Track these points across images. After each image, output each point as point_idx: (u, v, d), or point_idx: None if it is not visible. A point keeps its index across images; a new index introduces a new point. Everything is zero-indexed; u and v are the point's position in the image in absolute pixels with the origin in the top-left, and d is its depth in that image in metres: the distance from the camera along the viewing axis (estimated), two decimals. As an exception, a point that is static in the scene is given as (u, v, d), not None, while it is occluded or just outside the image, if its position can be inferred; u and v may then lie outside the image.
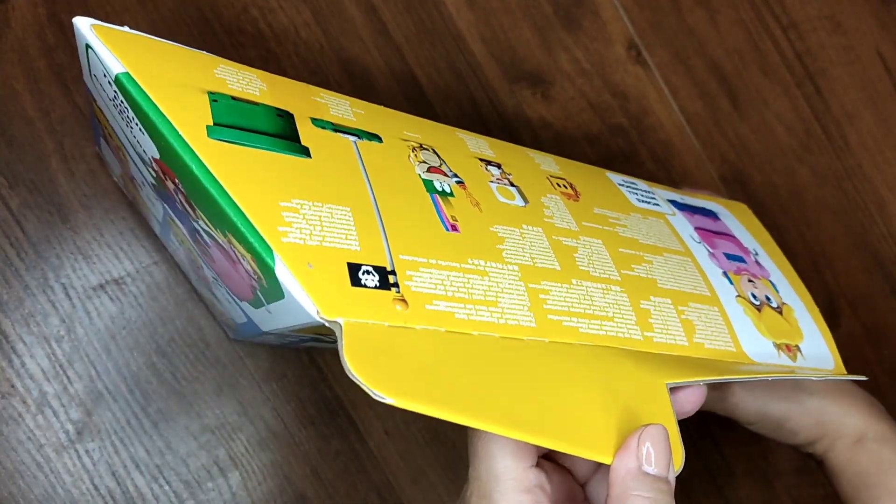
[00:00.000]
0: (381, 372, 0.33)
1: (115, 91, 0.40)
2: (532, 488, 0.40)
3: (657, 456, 0.38)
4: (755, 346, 0.52)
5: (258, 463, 0.63)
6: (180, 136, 0.38)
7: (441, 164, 0.48)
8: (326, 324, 0.35)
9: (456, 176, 0.47)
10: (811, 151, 0.81)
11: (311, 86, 0.48)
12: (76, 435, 0.59)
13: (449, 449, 0.67)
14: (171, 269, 0.62)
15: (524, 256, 0.45)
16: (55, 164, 0.60)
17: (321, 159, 0.42)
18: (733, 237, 0.61)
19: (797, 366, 0.53)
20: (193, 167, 0.37)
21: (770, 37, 0.80)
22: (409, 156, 0.47)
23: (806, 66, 0.81)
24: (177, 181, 0.40)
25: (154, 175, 0.44)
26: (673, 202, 0.61)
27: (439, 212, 0.44)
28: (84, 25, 0.39)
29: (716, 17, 0.79)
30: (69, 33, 0.61)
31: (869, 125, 0.81)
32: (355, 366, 0.33)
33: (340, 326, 0.35)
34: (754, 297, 0.56)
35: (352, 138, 0.45)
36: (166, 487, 0.61)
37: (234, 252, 0.39)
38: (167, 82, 0.40)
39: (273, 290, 0.37)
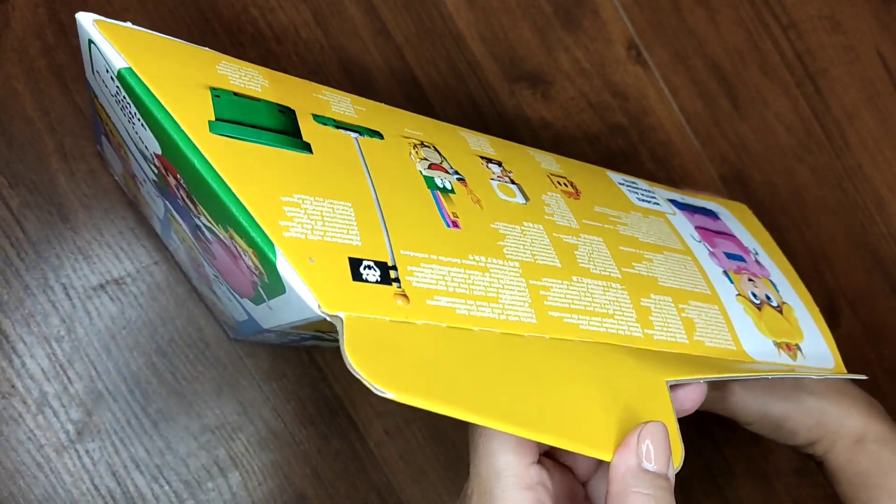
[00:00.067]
0: (383, 366, 0.33)
1: (117, 86, 0.40)
2: (533, 485, 0.40)
3: (657, 453, 0.38)
4: (755, 344, 0.52)
5: (258, 463, 0.62)
6: (182, 130, 0.38)
7: (442, 162, 0.48)
8: (328, 318, 0.35)
9: (457, 173, 0.47)
10: (811, 151, 0.81)
11: (312, 83, 0.48)
12: (76, 435, 0.59)
13: (449, 448, 0.67)
14: (171, 269, 0.62)
15: (525, 253, 0.45)
16: (55, 163, 0.60)
17: (323, 155, 0.42)
18: (733, 236, 0.61)
19: (797, 365, 0.53)
20: (195, 162, 0.37)
21: (770, 37, 0.80)
22: (410, 153, 0.47)
23: (806, 65, 0.81)
24: (178, 177, 0.40)
25: (156, 171, 0.44)
26: (673, 201, 0.61)
27: (440, 208, 0.44)
28: (87, 21, 0.40)
29: (716, 17, 0.79)
30: (69, 33, 0.61)
31: (869, 125, 0.81)
32: (356, 360, 0.33)
33: (341, 321, 0.35)
34: (754, 295, 0.56)
35: (353, 135, 0.45)
36: (166, 487, 0.60)
37: (235, 247, 0.39)
38: (169, 78, 0.40)
39: (274, 286, 0.37)
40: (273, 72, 0.46)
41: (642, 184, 0.61)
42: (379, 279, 0.37)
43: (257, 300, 0.43)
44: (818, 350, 0.56)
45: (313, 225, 0.37)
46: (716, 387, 0.60)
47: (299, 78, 0.48)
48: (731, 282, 0.55)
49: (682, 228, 0.58)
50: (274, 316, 0.42)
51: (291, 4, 0.67)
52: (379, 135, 0.46)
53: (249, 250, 0.37)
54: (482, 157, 0.51)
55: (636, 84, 0.77)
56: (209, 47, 0.45)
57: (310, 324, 0.40)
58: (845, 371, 0.56)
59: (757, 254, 0.61)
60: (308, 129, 0.43)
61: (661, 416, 0.41)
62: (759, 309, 0.55)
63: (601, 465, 0.46)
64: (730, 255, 0.58)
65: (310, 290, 0.35)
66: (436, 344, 0.37)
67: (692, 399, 0.45)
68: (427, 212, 0.43)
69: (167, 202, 0.48)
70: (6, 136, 0.59)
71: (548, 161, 0.56)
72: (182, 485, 0.61)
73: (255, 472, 0.62)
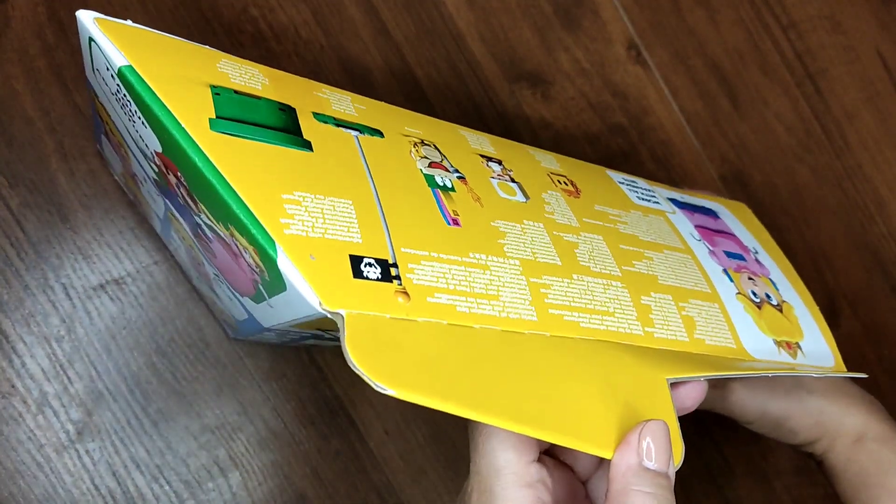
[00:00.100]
0: (383, 363, 0.33)
1: (117, 84, 0.40)
2: (533, 483, 0.40)
3: (658, 451, 0.38)
4: (755, 342, 0.52)
5: (258, 463, 0.62)
6: (183, 128, 0.38)
7: (442, 160, 0.48)
8: (328, 315, 0.35)
9: (457, 171, 0.47)
10: (811, 151, 0.81)
11: (312, 81, 0.48)
12: (76, 435, 0.59)
13: (449, 448, 0.67)
14: (171, 269, 0.62)
15: (525, 251, 0.45)
16: (55, 163, 0.60)
17: (323, 153, 0.42)
18: (733, 235, 0.61)
19: (797, 363, 0.53)
20: (196, 160, 0.37)
21: (770, 37, 0.80)
22: (410, 151, 0.47)
23: (806, 65, 0.81)
24: (179, 175, 0.40)
25: (156, 170, 0.44)
26: (673, 200, 0.61)
27: (440, 206, 0.44)
28: (87, 19, 0.40)
29: (716, 17, 0.79)
30: (69, 33, 0.61)
31: (869, 125, 0.81)
32: (357, 357, 0.33)
33: (342, 318, 0.35)
34: (754, 294, 0.56)
35: (353, 133, 0.45)
36: (166, 487, 0.60)
37: (236, 245, 0.39)
38: (170, 75, 0.40)
39: (275, 283, 0.37)
40: (273, 70, 0.46)
41: (642, 183, 0.62)
42: (380, 276, 0.37)
43: (258, 298, 0.43)
44: (818, 349, 0.56)
45: (314, 222, 0.37)
46: (716, 386, 0.60)
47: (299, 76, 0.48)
48: (731, 280, 0.55)
49: (682, 227, 0.58)
50: (274, 314, 0.42)
51: (291, 4, 0.67)
52: (379, 133, 0.47)
53: (250, 248, 0.37)
54: (482, 156, 0.51)
55: (636, 84, 0.77)
56: (209, 46, 0.45)
57: (310, 322, 0.40)
58: (845, 369, 0.56)
59: (757, 253, 0.61)
60: (308, 127, 0.43)
61: (661, 414, 0.41)
62: (759, 307, 0.55)
63: (601, 464, 0.46)
64: (730, 254, 0.58)
65: (311, 287, 0.35)
66: (437, 341, 0.37)
67: (693, 397, 0.45)
68: (427, 210, 0.43)
69: (167, 201, 0.48)
70: (6, 136, 0.59)
71: (548, 160, 0.56)
72: (182, 485, 0.61)
73: (255, 472, 0.62)
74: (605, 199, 0.55)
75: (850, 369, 0.57)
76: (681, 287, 0.51)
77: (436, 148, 0.49)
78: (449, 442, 0.67)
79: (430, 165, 0.46)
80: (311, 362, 0.64)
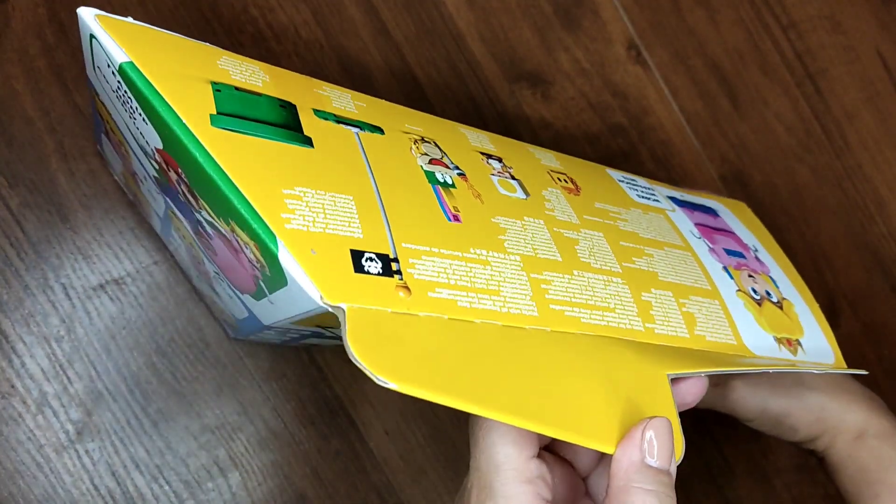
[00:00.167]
0: (385, 357, 0.33)
1: (118, 81, 0.40)
2: (533, 479, 0.40)
3: (660, 449, 0.38)
4: (756, 339, 0.52)
5: (258, 463, 0.62)
6: (184, 124, 0.38)
7: (443, 157, 0.48)
8: (330, 309, 0.35)
9: (457, 168, 0.47)
10: (811, 151, 0.81)
11: (313, 79, 0.48)
12: (76, 435, 0.59)
13: (449, 448, 0.67)
14: (171, 269, 0.62)
15: (526, 247, 0.45)
16: (55, 163, 0.60)
17: (324, 149, 0.42)
18: (733, 233, 0.61)
19: (798, 360, 0.53)
20: (197, 155, 0.37)
21: (770, 37, 0.80)
22: (410, 148, 0.47)
23: (806, 65, 0.81)
24: (180, 171, 0.40)
25: (157, 167, 0.44)
26: (673, 199, 0.61)
27: (441, 202, 0.44)
28: (88, 16, 0.40)
29: (716, 17, 0.79)
30: (69, 33, 0.61)
31: (869, 125, 0.82)
32: (359, 351, 0.33)
33: (344, 312, 0.35)
34: (755, 291, 0.56)
35: (354, 130, 0.45)
36: (166, 487, 0.60)
37: (237, 241, 0.39)
38: (171, 72, 0.40)
39: (276, 278, 0.37)
40: (274, 67, 0.47)
41: (642, 181, 0.62)
42: (381, 271, 0.37)
43: (258, 295, 0.43)
44: (818, 345, 0.56)
45: (315, 217, 0.38)
46: (717, 384, 0.60)
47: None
48: (732, 278, 0.55)
49: (681, 225, 0.58)
50: (275, 311, 0.42)
51: (291, 4, 0.67)
52: (380, 130, 0.47)
53: (251, 243, 0.37)
54: (482, 153, 0.51)
55: (636, 84, 0.77)
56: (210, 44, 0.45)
57: (311, 318, 0.40)
58: (845, 366, 0.56)
59: (756, 251, 0.61)
60: (309, 123, 0.43)
61: (662, 410, 0.41)
62: (760, 304, 0.55)
63: (602, 460, 0.46)
64: (730, 252, 0.58)
65: (312, 282, 0.35)
66: (438, 336, 0.37)
67: (693, 393, 0.45)
68: (428, 206, 0.43)
69: (168, 199, 0.48)
70: (6, 136, 0.59)
71: (548, 158, 0.56)
72: (182, 485, 0.61)
73: (255, 472, 0.62)
74: (605, 196, 0.55)
75: (850, 368, 0.57)
76: (681, 284, 0.51)
77: (436, 145, 0.49)
78: (449, 441, 0.67)
79: (430, 162, 0.46)
80: (311, 362, 0.64)
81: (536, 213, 0.48)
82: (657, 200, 0.59)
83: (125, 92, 0.40)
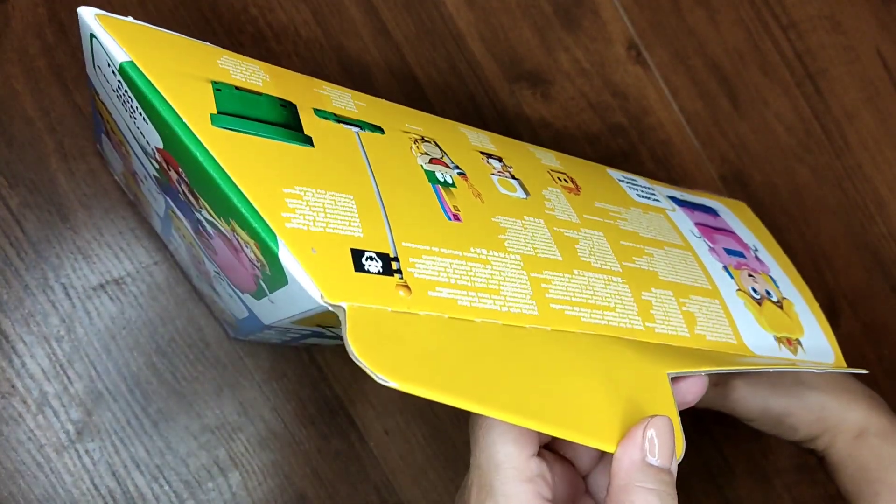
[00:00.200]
0: (385, 356, 0.33)
1: (118, 81, 0.40)
2: (533, 478, 0.39)
3: (661, 448, 0.38)
4: (756, 338, 0.52)
5: (258, 463, 0.62)
6: (185, 123, 0.38)
7: (443, 156, 0.48)
8: (330, 308, 0.35)
9: (457, 167, 0.47)
10: (811, 151, 0.81)
11: (313, 78, 0.49)
12: (76, 435, 0.59)
13: (449, 448, 0.67)
14: (171, 269, 0.62)
15: (526, 246, 0.45)
16: (55, 163, 0.60)
17: (324, 149, 0.42)
18: (733, 233, 0.61)
19: (798, 359, 0.53)
20: (198, 154, 0.37)
21: (770, 37, 0.80)
22: (411, 147, 0.47)
23: (806, 65, 0.81)
24: (180, 170, 0.40)
25: (157, 167, 0.44)
26: (673, 198, 0.61)
27: (441, 201, 0.44)
28: (88, 15, 0.40)
29: (716, 17, 0.79)
30: (69, 33, 0.61)
31: (869, 125, 0.82)
32: (359, 349, 0.33)
33: (344, 310, 0.35)
34: (755, 291, 0.56)
35: (354, 129, 0.45)
36: (166, 487, 0.60)
37: (237, 240, 0.39)
38: (171, 71, 0.40)
39: (276, 277, 0.37)
40: (274, 67, 0.47)
41: (642, 181, 0.62)
42: (381, 270, 0.37)
43: (259, 294, 0.43)
44: (818, 345, 0.56)
45: (315, 216, 0.38)
46: (717, 384, 0.60)
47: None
48: (732, 277, 0.55)
49: (681, 224, 0.58)
50: (276, 310, 0.42)
51: (291, 4, 0.67)
52: (380, 129, 0.47)
53: (252, 242, 0.37)
54: (482, 153, 0.51)
55: (636, 84, 0.77)
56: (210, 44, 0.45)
57: (311, 317, 0.40)
58: (845, 365, 0.56)
59: (756, 250, 0.61)
60: (309, 123, 0.43)
61: (662, 408, 0.41)
62: (760, 304, 0.55)
63: (602, 459, 0.46)
64: (730, 251, 0.58)
65: (312, 281, 0.35)
66: (438, 334, 0.37)
67: (693, 391, 0.45)
68: (428, 205, 0.43)
69: (168, 198, 0.48)
70: (6, 136, 0.59)
71: (548, 157, 0.57)
72: (182, 485, 0.61)
73: (255, 472, 0.62)
74: (605, 196, 0.55)
75: (850, 368, 0.57)
76: (681, 283, 0.51)
77: (436, 144, 0.49)
78: (449, 441, 0.67)
79: (430, 161, 0.46)
80: (311, 362, 0.64)
81: (537, 212, 0.48)
82: (657, 200, 0.59)
83: (125, 91, 0.40)
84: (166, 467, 0.60)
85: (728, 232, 0.61)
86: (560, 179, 0.54)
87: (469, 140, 0.52)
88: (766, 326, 0.53)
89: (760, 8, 0.80)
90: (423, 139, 0.48)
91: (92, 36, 0.40)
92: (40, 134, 0.60)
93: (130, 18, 0.41)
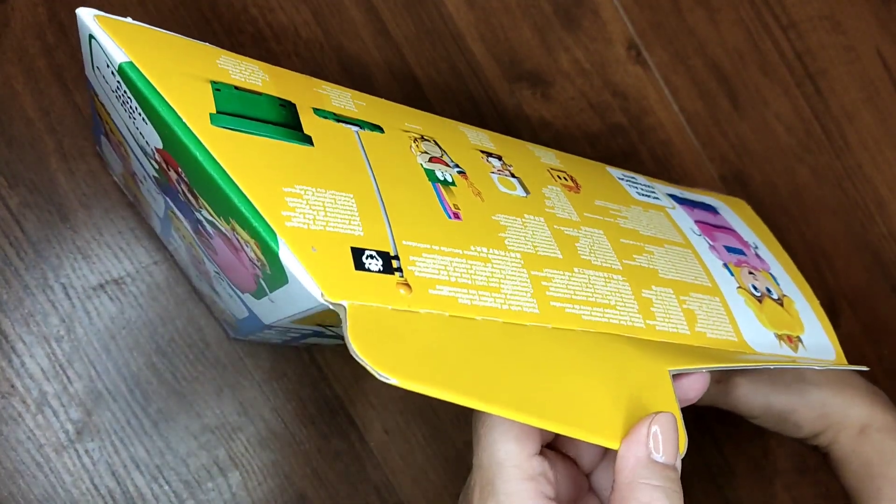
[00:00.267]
0: (386, 353, 0.33)
1: (118, 81, 0.40)
2: (535, 476, 0.39)
3: (666, 444, 0.38)
4: (757, 336, 0.52)
5: (258, 463, 0.62)
6: (184, 123, 0.38)
7: (442, 155, 0.48)
8: (331, 306, 0.35)
9: (457, 166, 0.47)
10: (811, 151, 0.81)
11: (312, 78, 0.49)
12: (76, 435, 0.59)
13: (449, 448, 0.67)
14: (171, 269, 0.62)
15: (526, 244, 0.45)
16: (55, 163, 0.60)
17: (324, 148, 0.42)
18: (733, 231, 0.61)
19: (799, 356, 0.53)
20: (197, 154, 0.37)
21: (770, 37, 0.80)
22: (410, 146, 0.47)
23: (806, 65, 0.81)
24: (180, 170, 0.40)
25: (156, 167, 0.44)
26: (673, 196, 0.61)
27: (441, 200, 0.44)
28: (87, 16, 0.40)
29: (716, 17, 0.79)
30: (69, 33, 0.61)
31: (869, 125, 0.82)
32: (360, 347, 0.33)
33: (345, 309, 0.35)
34: (755, 288, 0.56)
35: (354, 128, 0.45)
36: (166, 487, 0.60)
37: (237, 240, 0.39)
38: (170, 71, 0.40)
39: (277, 276, 0.37)
40: (273, 66, 0.47)
41: (641, 179, 0.62)
42: (381, 268, 0.37)
43: (259, 294, 0.43)
44: (819, 342, 0.56)
45: (315, 215, 0.38)
46: (719, 381, 0.60)
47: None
48: (732, 274, 0.55)
49: (682, 222, 0.58)
50: (276, 309, 0.42)
51: (291, 4, 0.67)
52: (379, 129, 0.47)
53: (252, 241, 0.37)
54: (482, 152, 0.51)
55: (636, 84, 0.77)
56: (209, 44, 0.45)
57: (311, 316, 0.40)
58: (846, 362, 0.56)
59: (757, 248, 0.61)
60: (309, 122, 0.43)
61: (664, 405, 0.41)
62: (760, 301, 0.55)
63: (605, 456, 0.46)
64: (730, 249, 0.58)
65: (312, 279, 0.35)
66: (439, 332, 0.37)
67: (695, 388, 0.45)
68: (428, 203, 0.43)
69: (168, 199, 0.48)
70: (6, 136, 0.59)
71: (548, 156, 0.57)
72: (182, 485, 0.61)
73: (255, 472, 0.62)
74: (605, 194, 0.55)
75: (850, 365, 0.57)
76: (681, 281, 0.51)
77: (436, 143, 0.49)
78: (449, 442, 0.67)
79: (430, 160, 0.47)
80: (311, 362, 0.64)
81: (537, 210, 0.48)
82: (657, 198, 0.59)
83: (125, 92, 0.40)
84: (166, 467, 0.60)
85: (728, 229, 0.61)
86: (560, 178, 0.54)
87: (468, 139, 0.52)
88: (767, 324, 0.53)
89: (760, 8, 0.80)
90: (422, 138, 0.48)
91: (91, 37, 0.40)
92: (40, 134, 0.60)
93: (129, 19, 0.41)
